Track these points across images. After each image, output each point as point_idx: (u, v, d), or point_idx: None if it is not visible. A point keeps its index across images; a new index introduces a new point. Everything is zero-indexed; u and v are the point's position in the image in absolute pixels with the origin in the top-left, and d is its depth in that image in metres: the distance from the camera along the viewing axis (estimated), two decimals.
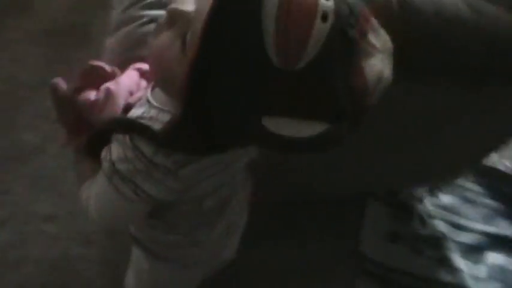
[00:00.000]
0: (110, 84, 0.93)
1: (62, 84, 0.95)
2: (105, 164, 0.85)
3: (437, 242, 1.67)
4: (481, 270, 1.64)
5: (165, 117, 0.82)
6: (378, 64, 0.74)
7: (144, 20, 1.23)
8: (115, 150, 0.84)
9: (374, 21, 0.76)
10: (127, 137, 0.82)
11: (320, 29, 0.68)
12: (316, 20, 0.68)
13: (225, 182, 0.95)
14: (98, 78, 0.95)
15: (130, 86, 0.95)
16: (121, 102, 0.92)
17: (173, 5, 0.78)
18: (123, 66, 1.04)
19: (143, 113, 0.85)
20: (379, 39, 0.75)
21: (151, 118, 0.83)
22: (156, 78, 0.84)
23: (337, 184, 1.54)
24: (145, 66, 0.99)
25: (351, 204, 1.68)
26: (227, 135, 0.78)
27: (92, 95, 0.92)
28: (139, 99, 0.93)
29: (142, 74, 0.98)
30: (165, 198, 0.87)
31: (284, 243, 1.58)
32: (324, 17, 0.69)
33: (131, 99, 0.93)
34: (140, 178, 0.83)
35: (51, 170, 1.60)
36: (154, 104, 0.85)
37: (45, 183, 1.58)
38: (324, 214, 1.65)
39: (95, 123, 0.91)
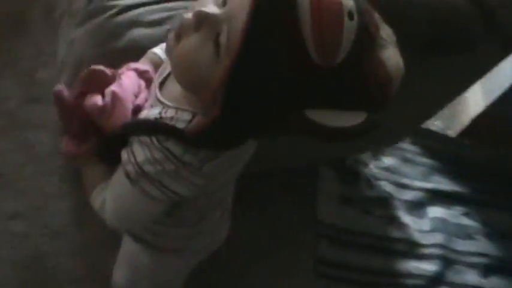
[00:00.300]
0: (114, 88, 0.93)
1: (64, 91, 0.94)
2: (130, 168, 0.86)
3: (385, 201, 1.80)
4: (425, 224, 1.79)
5: (185, 116, 0.83)
6: (393, 55, 0.80)
7: (116, 10, 1.22)
8: (140, 153, 0.85)
9: (377, 16, 0.82)
10: (154, 139, 0.84)
11: (349, 27, 0.74)
12: (344, 19, 0.74)
13: (234, 174, 1.00)
14: (99, 82, 0.95)
15: (133, 88, 0.96)
16: (129, 104, 0.93)
17: (197, 8, 0.80)
18: (102, 59, 1.03)
19: (160, 113, 0.86)
20: (385, 32, 0.82)
21: (172, 118, 0.84)
22: (183, 81, 0.84)
23: (292, 156, 1.61)
24: (141, 66, 1.00)
25: (304, 172, 1.77)
26: (269, 129, 0.82)
27: (98, 100, 0.92)
28: (146, 100, 0.95)
29: (140, 74, 0.99)
30: (189, 195, 0.90)
31: (244, 215, 1.63)
32: (351, 15, 0.74)
33: (138, 101, 0.95)
34: (168, 178, 0.85)
35: (7, 167, 1.56)
36: (169, 103, 0.87)
37: (3, 181, 1.54)
38: (280, 184, 1.73)
39: (110, 128, 0.91)
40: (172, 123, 0.84)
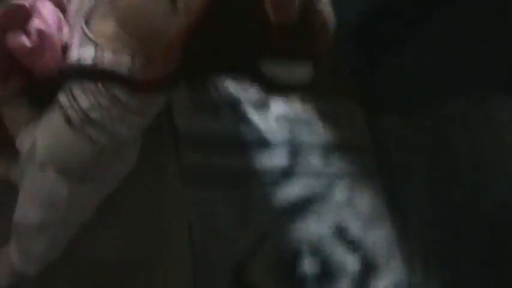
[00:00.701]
0: (39, 25, 0.86)
1: None
2: (72, 113, 0.84)
3: (234, 103, 1.88)
4: (271, 121, 1.93)
5: (125, 58, 0.83)
6: (326, 3, 0.88)
7: None
8: (84, 99, 0.83)
9: None
10: (99, 85, 0.82)
11: None
12: None
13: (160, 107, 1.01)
14: (20, 17, 0.87)
15: (54, 22, 0.90)
16: (57, 42, 0.88)
17: None
18: None
19: (95, 56, 0.84)
20: None
21: (113, 62, 0.83)
22: (131, 33, 0.82)
23: None
24: None
25: None
26: (222, 77, 0.86)
27: (24, 40, 0.85)
28: (71, 35, 0.90)
29: (56, 2, 0.92)
30: (131, 136, 0.91)
31: None
32: None
33: (64, 38, 0.89)
34: (114, 123, 0.86)
35: None
36: (103, 44, 0.84)
37: None
38: None
39: (40, 69, 0.86)
40: (115, 68, 0.83)
